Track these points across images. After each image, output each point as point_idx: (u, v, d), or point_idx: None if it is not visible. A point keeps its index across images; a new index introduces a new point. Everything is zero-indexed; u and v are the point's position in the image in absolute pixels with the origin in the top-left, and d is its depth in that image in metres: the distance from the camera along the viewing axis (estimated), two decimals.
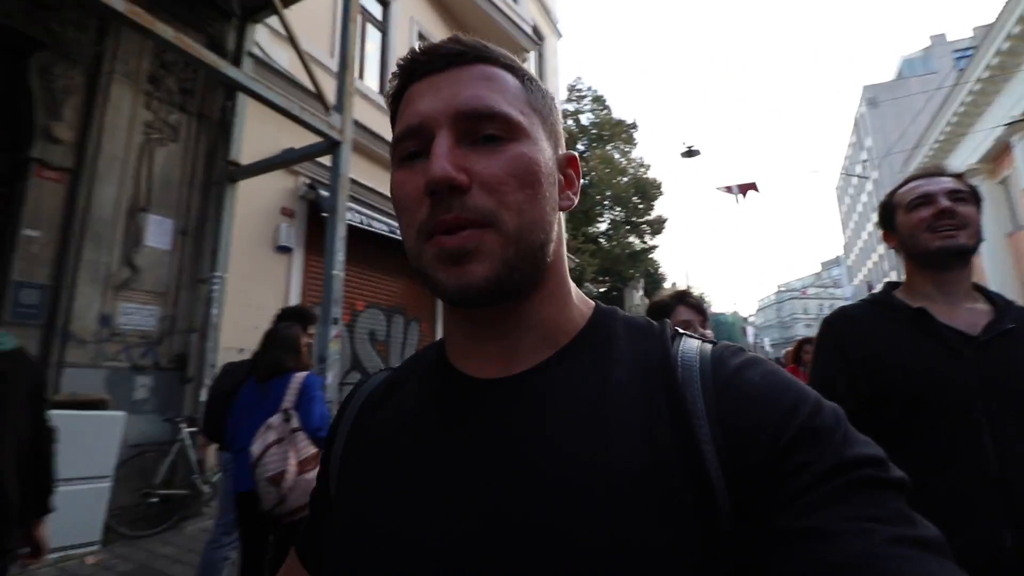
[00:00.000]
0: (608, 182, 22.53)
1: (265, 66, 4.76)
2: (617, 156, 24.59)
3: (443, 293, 0.39)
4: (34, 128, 3.41)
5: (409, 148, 0.41)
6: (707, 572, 0.33)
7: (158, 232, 3.98)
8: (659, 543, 0.33)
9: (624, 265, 22.61)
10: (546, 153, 0.42)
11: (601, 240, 22.82)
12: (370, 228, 5.50)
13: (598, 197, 22.35)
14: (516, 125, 0.40)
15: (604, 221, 23.97)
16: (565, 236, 0.47)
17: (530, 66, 10.06)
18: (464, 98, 0.39)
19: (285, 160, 4.29)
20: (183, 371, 4.03)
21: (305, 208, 5.19)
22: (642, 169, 24.80)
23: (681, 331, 0.45)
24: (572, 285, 0.47)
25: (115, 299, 3.69)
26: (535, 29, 10.81)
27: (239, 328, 4.17)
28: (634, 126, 24.56)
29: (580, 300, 0.47)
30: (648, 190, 23.45)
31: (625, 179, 23.77)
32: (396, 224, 0.44)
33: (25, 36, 3.40)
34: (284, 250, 4.90)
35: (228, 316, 4.20)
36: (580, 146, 23.79)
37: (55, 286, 3.41)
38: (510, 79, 0.42)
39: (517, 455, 0.39)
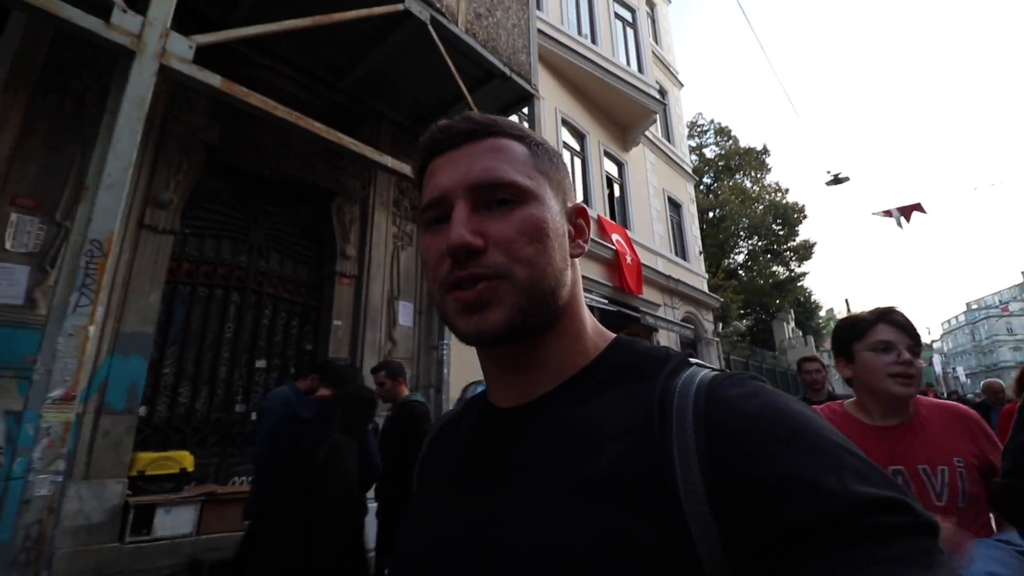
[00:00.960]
0: (742, 212, 21.87)
1: None
2: (749, 184, 23.82)
3: (463, 338, 0.45)
4: (336, 250, 4.95)
5: (433, 215, 0.47)
6: None
7: (405, 314, 5.34)
8: None
9: (769, 296, 21.44)
10: (553, 210, 0.47)
11: (740, 272, 21.99)
12: None
13: (732, 228, 21.76)
14: (524, 190, 0.46)
15: (741, 252, 23.09)
16: (580, 280, 0.52)
17: (657, 123, 10.73)
18: (477, 171, 0.45)
19: None
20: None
21: None
22: (779, 194, 23.66)
23: (695, 362, 0.45)
24: (591, 321, 0.51)
25: None
26: (659, 89, 11.55)
27: (462, 383, 5.33)
28: (765, 152, 23.73)
29: (597, 335, 0.50)
30: (789, 215, 22.27)
31: (760, 207, 22.85)
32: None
33: (328, 189, 5.01)
34: None
35: (454, 374, 5.39)
36: (707, 179, 23.55)
37: (352, 359, 4.81)
38: (518, 148, 0.48)
39: (508, 481, 0.43)
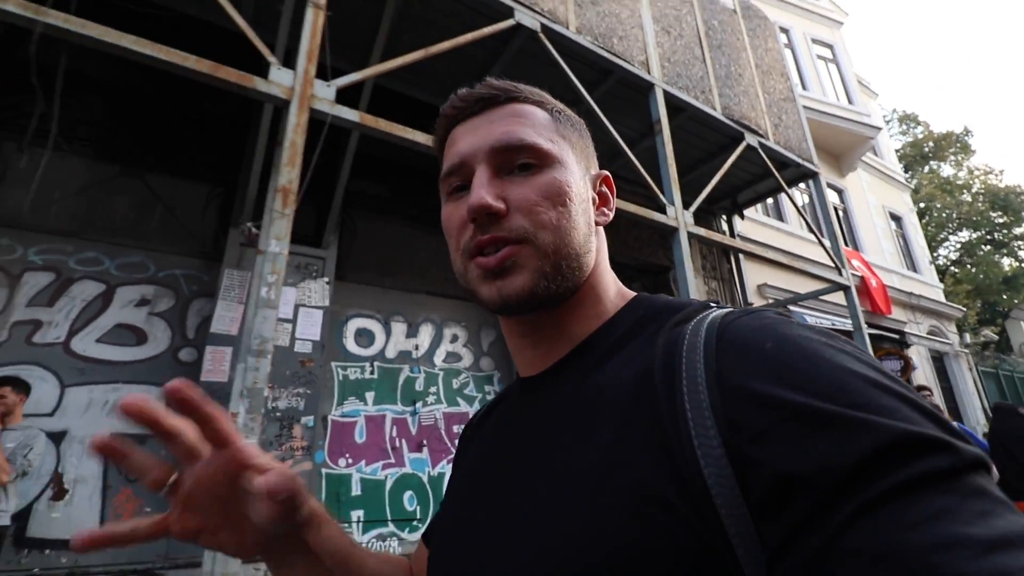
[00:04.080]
0: (948, 203, 20.19)
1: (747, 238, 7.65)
2: (951, 171, 21.86)
3: (487, 304, 0.44)
4: None
5: (454, 183, 0.48)
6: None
7: None
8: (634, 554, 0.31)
9: (996, 294, 19.33)
10: (576, 175, 0.47)
11: (953, 270, 20.16)
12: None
13: (931, 228, 20.09)
14: (546, 153, 0.46)
15: (949, 247, 21.13)
16: (605, 247, 0.51)
17: (867, 143, 11.22)
18: (498, 134, 0.46)
19: (797, 299, 6.89)
20: None
21: None
22: (991, 176, 21.33)
23: (716, 305, 0.42)
24: (615, 285, 0.51)
25: None
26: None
27: None
28: (967, 133, 21.63)
29: (618, 297, 0.50)
30: (1011, 200, 19.98)
31: (968, 195, 20.84)
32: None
33: (660, 265, 6.85)
34: None
35: None
36: None
37: None
38: (539, 113, 0.48)
39: (527, 450, 0.43)
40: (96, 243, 3.87)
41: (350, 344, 4.49)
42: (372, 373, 4.43)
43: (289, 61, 3.01)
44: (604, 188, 0.53)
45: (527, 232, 0.43)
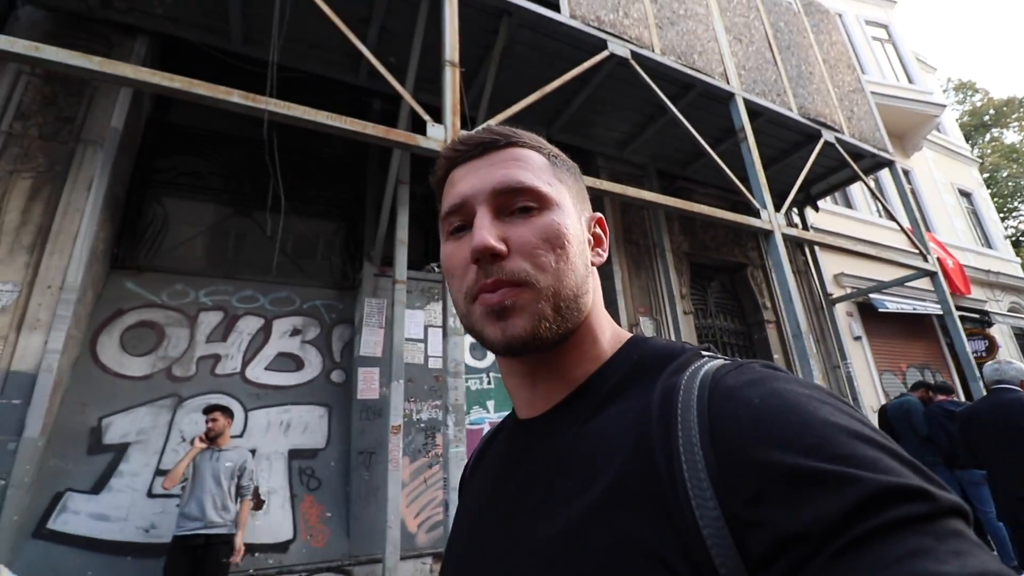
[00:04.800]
0: (1017, 172, 19.22)
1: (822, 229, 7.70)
2: (1014, 139, 20.78)
3: (491, 345, 0.45)
4: (758, 309, 6.87)
5: (455, 223, 0.49)
6: None
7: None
8: None
9: None
10: (573, 218, 0.49)
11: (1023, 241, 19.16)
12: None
13: (997, 199, 19.13)
14: (545, 196, 0.47)
15: (1018, 218, 20.06)
16: (600, 288, 0.52)
17: (931, 121, 10.93)
18: (499, 177, 0.47)
19: (881, 286, 6.93)
20: None
21: (856, 308, 7.76)
22: None
23: (708, 354, 0.44)
24: (609, 326, 0.51)
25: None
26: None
27: (871, 397, 6.77)
28: None
29: (614, 338, 0.50)
30: None
31: None
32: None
33: (736, 262, 6.99)
34: (857, 339, 7.47)
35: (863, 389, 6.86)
36: None
37: None
38: (537, 157, 0.50)
39: (524, 498, 0.44)
40: (250, 282, 4.39)
41: (467, 358, 4.88)
42: (489, 383, 4.80)
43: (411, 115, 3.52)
44: (597, 229, 0.53)
45: (527, 275, 0.44)
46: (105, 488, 3.33)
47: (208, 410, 3.30)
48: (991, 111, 21.10)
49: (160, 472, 3.47)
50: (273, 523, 3.59)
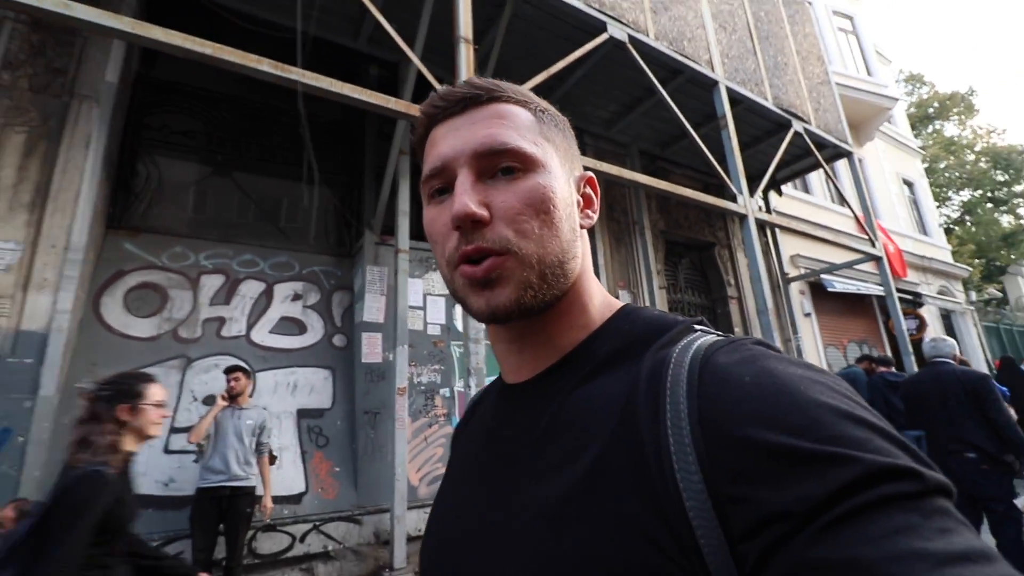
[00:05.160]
0: (953, 164, 20.73)
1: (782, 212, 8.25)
2: (955, 131, 22.30)
3: (475, 315, 0.44)
4: (722, 285, 7.39)
5: (435, 186, 0.47)
6: None
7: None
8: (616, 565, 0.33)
9: (995, 251, 20.13)
10: (560, 179, 0.46)
11: (955, 228, 20.89)
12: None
13: (934, 188, 20.67)
14: (530, 157, 0.45)
15: (952, 206, 21.76)
16: (589, 251, 0.50)
17: (884, 113, 11.68)
18: (480, 137, 0.44)
19: (832, 268, 7.57)
20: None
21: (808, 287, 8.44)
22: (994, 135, 21.82)
23: (701, 328, 0.43)
24: (599, 293, 0.50)
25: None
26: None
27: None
28: (971, 92, 21.97)
29: (604, 306, 0.49)
30: (1013, 159, 20.55)
31: (971, 154, 21.36)
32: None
33: (706, 241, 7.47)
34: (807, 315, 8.18)
35: (810, 355, 7.56)
36: None
37: None
38: (523, 113, 0.47)
39: (508, 463, 0.45)
40: (249, 246, 4.43)
41: (459, 325, 5.12)
42: None
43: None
44: (588, 189, 0.52)
45: (510, 242, 0.43)
46: None
47: (230, 370, 3.42)
48: (936, 104, 22.46)
49: (175, 430, 3.59)
50: (286, 477, 3.79)
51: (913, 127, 22.79)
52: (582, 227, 0.49)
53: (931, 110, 22.46)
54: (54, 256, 3.42)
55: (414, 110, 3.28)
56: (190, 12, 4.27)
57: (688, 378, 0.36)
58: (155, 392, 1.66)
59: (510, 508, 0.41)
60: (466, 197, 0.43)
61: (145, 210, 4.16)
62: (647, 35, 4.91)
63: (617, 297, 5.17)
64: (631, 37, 4.70)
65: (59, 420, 3.27)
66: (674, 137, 6.70)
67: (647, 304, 6.07)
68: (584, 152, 6.17)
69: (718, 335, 0.41)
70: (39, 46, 3.76)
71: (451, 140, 0.46)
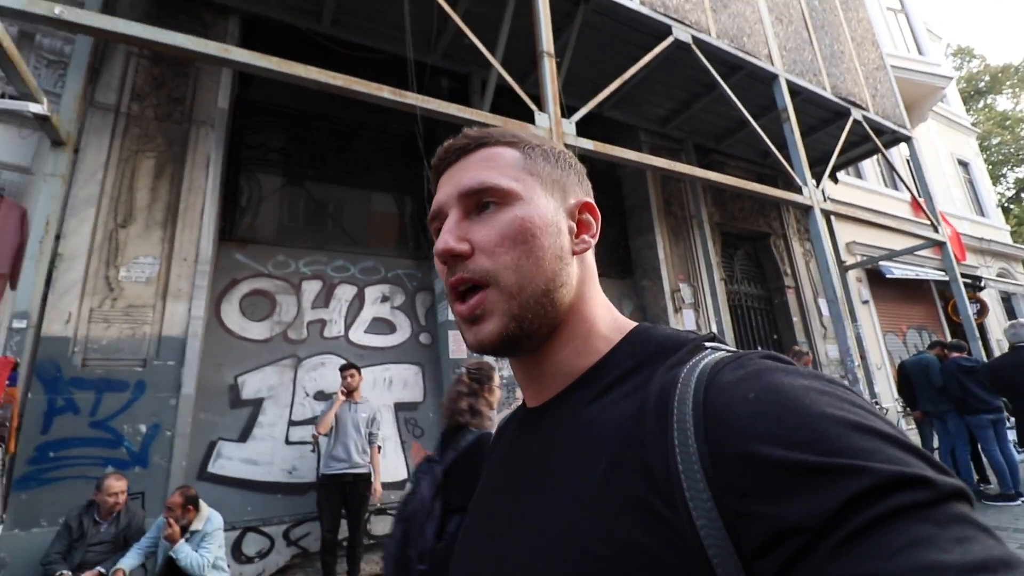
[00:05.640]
0: (1009, 139, 19.83)
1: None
2: (1006, 106, 21.30)
3: (469, 348, 0.48)
4: (779, 275, 7.44)
5: (436, 227, 0.52)
6: None
7: (824, 306, 7.65)
8: None
9: None
10: (542, 208, 0.48)
11: (1012, 207, 20.00)
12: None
13: (987, 166, 19.82)
14: (507, 192, 0.48)
15: (1004, 185, 20.82)
16: (594, 275, 0.52)
17: (938, 93, 11.33)
18: (465, 180, 0.49)
19: (893, 255, 7.52)
20: None
21: (864, 274, 8.38)
22: None
23: (712, 345, 0.43)
24: (607, 317, 0.50)
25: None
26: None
27: (875, 351, 7.46)
28: None
29: (613, 330, 0.49)
30: None
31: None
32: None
33: (761, 232, 7.51)
34: (865, 303, 8.13)
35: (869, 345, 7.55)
36: None
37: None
38: (508, 153, 0.51)
39: (522, 479, 0.46)
40: (340, 253, 4.78)
41: None
42: None
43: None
44: (585, 215, 0.52)
45: (488, 274, 0.45)
46: (250, 437, 3.82)
47: (345, 368, 3.76)
48: (987, 77, 21.50)
49: (293, 423, 3.96)
50: (390, 465, 4.13)
51: (963, 103, 21.88)
52: (576, 253, 0.50)
53: (982, 84, 21.50)
54: (186, 268, 3.81)
55: (525, 128, 3.52)
56: (268, 33, 4.62)
57: (694, 397, 0.36)
58: (497, 379, 2.19)
59: (519, 525, 0.43)
60: (447, 235, 0.47)
61: (249, 223, 4.54)
62: (709, 34, 5.03)
63: (678, 290, 5.27)
64: (695, 38, 4.83)
65: (196, 416, 3.67)
66: (729, 130, 6.77)
67: (708, 296, 6.20)
68: (640, 148, 6.30)
69: (727, 351, 0.41)
70: (160, 78, 4.16)
71: (446, 187, 0.51)
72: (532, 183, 0.49)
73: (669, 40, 4.62)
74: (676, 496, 0.33)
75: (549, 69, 3.72)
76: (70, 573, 2.69)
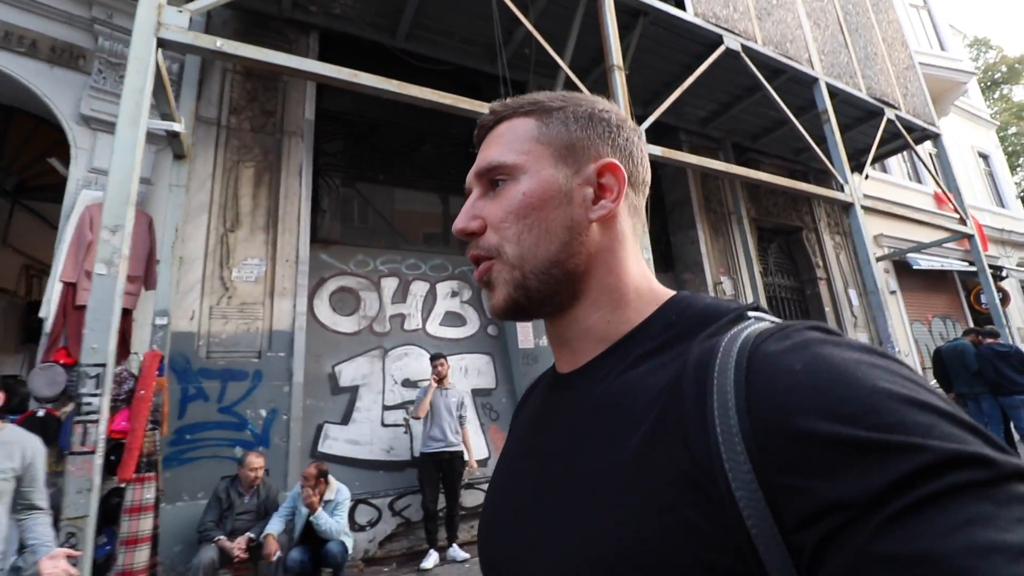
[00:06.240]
0: (1023, 129, 19.90)
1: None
2: (1023, 96, 21.30)
3: (489, 313, 0.71)
4: (811, 267, 7.73)
5: None
6: None
7: (854, 295, 7.94)
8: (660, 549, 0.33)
9: None
10: (548, 179, 0.48)
11: None
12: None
13: (1005, 155, 19.88)
14: (512, 166, 0.49)
15: (1020, 174, 20.89)
16: (624, 240, 0.50)
17: (960, 88, 11.50)
18: (479, 161, 0.51)
19: (922, 247, 7.80)
20: None
21: (892, 266, 8.66)
22: None
23: (755, 315, 0.42)
24: (641, 284, 0.49)
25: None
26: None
27: (902, 334, 7.78)
28: None
29: (648, 298, 0.48)
30: None
31: None
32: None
33: (793, 226, 7.80)
34: (893, 293, 8.42)
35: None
36: None
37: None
38: (522, 124, 0.50)
39: (554, 443, 0.46)
40: (412, 252, 5.14)
41: None
42: None
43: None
44: (607, 178, 0.49)
45: (493, 248, 0.48)
46: (351, 420, 4.20)
47: (435, 357, 4.13)
48: (1004, 68, 21.52)
49: (386, 407, 4.34)
50: (473, 445, 4.50)
51: (981, 92, 21.92)
52: (595, 219, 0.48)
53: (998, 75, 21.53)
54: (288, 268, 4.18)
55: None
56: (351, 51, 4.95)
57: (735, 367, 0.35)
58: None
59: (553, 487, 0.42)
60: (462, 215, 0.50)
61: (330, 225, 4.90)
62: (756, 41, 5.31)
63: (719, 284, 5.63)
64: (743, 46, 5.12)
65: (304, 401, 4.05)
66: (765, 129, 7.06)
67: (749, 289, 6.52)
68: (680, 148, 6.60)
69: (772, 322, 0.40)
70: (253, 92, 4.51)
71: (472, 169, 0.53)
72: (541, 153, 0.49)
73: (721, 49, 4.91)
74: (716, 468, 0.32)
75: (619, 82, 4.03)
76: (225, 538, 3.07)
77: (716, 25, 4.98)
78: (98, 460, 2.15)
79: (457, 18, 4.79)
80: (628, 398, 0.40)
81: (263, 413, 3.79)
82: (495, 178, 0.49)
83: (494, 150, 0.50)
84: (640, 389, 0.40)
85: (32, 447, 1.97)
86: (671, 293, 0.48)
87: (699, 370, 0.36)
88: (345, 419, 4.18)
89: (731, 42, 5.02)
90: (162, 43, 2.62)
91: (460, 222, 0.50)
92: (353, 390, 4.30)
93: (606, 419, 0.41)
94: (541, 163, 0.49)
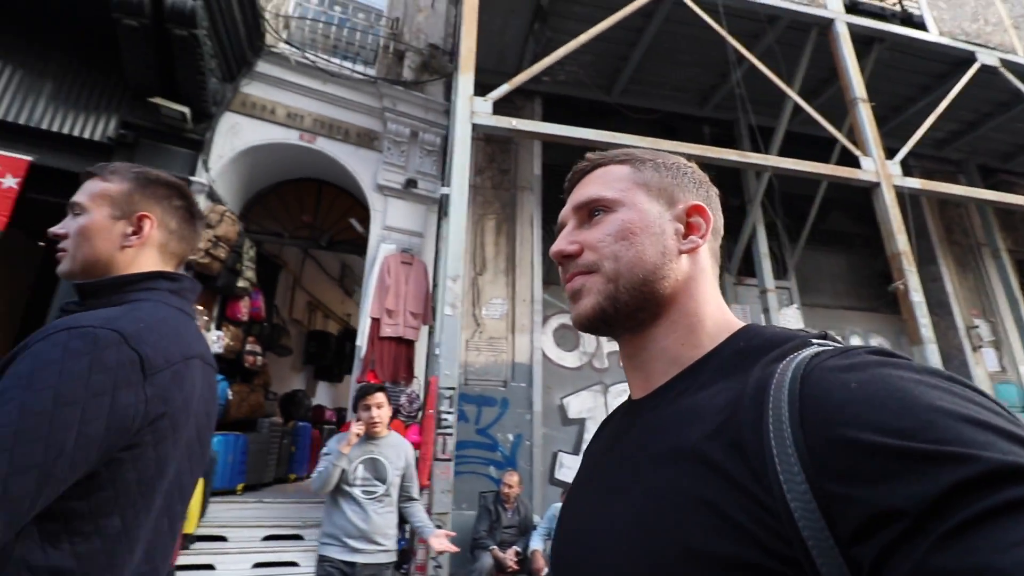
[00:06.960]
0: None
1: None
2: None
3: (574, 324, 0.54)
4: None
5: None
6: None
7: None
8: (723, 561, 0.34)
9: None
10: (646, 212, 0.53)
11: None
12: None
13: None
14: (611, 200, 0.53)
15: None
16: (707, 274, 0.54)
17: None
18: (578, 196, 0.56)
19: None
20: None
21: None
22: None
23: (818, 341, 0.43)
24: (716, 314, 0.52)
25: None
26: None
27: None
28: None
29: (722, 327, 0.50)
30: None
31: None
32: None
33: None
34: None
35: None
36: None
37: None
38: (617, 169, 0.56)
39: (621, 464, 0.48)
40: None
41: None
42: None
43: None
44: (696, 218, 0.54)
45: (592, 263, 0.51)
46: (581, 451, 4.45)
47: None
48: None
49: None
50: None
51: None
52: (684, 251, 0.52)
53: None
54: (525, 307, 4.67)
55: (843, 172, 3.74)
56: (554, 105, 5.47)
57: (791, 383, 0.36)
58: None
59: (614, 506, 0.44)
60: (560, 240, 0.55)
61: (547, 267, 5.36)
62: (1016, 53, 4.70)
63: (974, 329, 4.83)
64: (1002, 60, 4.56)
65: (542, 430, 4.41)
66: (1021, 147, 6.07)
67: (1018, 332, 5.53)
68: (909, 173, 5.97)
69: (834, 346, 0.40)
70: (491, 154, 5.24)
71: (568, 206, 0.57)
72: (637, 192, 0.53)
73: (977, 66, 4.44)
74: (771, 479, 0.33)
75: (865, 114, 3.88)
76: (497, 548, 3.45)
77: (967, 42, 4.53)
78: (452, 467, 2.62)
79: (672, 69, 5.05)
80: (694, 414, 0.42)
81: (510, 437, 4.22)
82: (594, 209, 0.54)
83: (593, 188, 0.55)
84: (705, 408, 0.41)
85: (409, 449, 2.49)
86: (743, 324, 0.50)
87: (758, 389, 0.38)
88: (575, 449, 4.45)
89: (986, 57, 4.51)
90: (474, 127, 3.25)
91: (558, 246, 0.54)
92: (580, 422, 4.57)
93: (671, 434, 0.42)
94: (637, 198, 0.53)
